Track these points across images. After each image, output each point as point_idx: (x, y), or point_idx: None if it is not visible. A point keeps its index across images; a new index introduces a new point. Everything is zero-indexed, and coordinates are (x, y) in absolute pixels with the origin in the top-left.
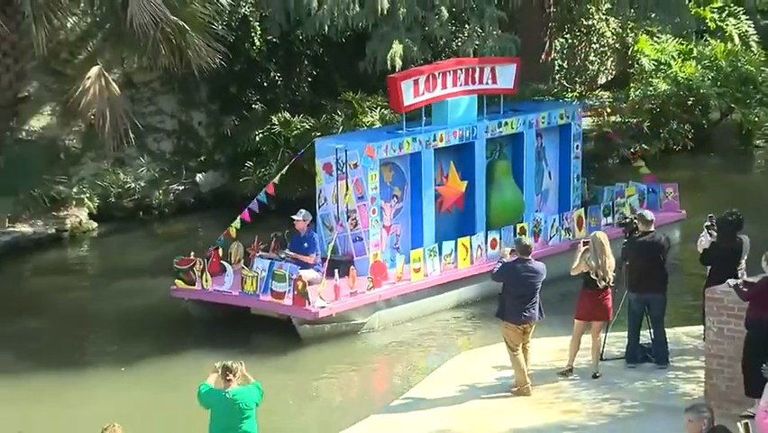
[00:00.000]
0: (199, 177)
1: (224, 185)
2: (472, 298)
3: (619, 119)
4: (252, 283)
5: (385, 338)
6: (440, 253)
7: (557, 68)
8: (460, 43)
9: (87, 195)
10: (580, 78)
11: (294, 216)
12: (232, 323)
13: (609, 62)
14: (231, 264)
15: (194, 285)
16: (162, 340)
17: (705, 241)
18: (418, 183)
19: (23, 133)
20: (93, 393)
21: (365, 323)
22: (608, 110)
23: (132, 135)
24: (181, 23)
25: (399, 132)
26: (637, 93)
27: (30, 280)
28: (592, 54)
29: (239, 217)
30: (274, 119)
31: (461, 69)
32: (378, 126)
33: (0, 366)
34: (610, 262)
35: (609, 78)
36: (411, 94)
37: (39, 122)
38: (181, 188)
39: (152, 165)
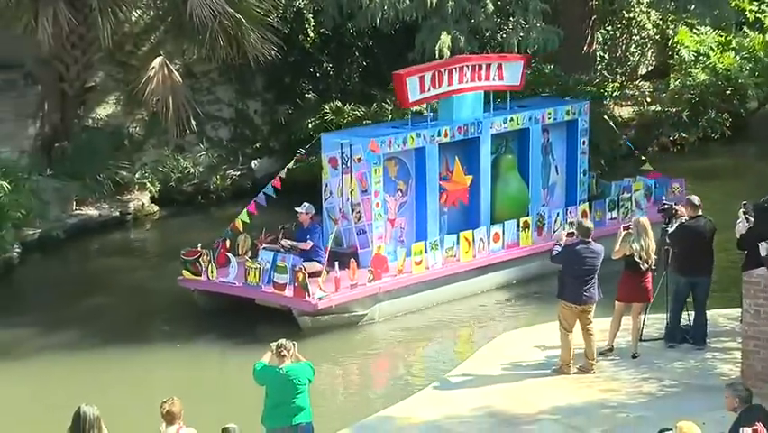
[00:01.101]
0: (255, 163)
1: (278, 171)
2: (474, 290)
3: (659, 108)
4: (255, 275)
5: (405, 325)
6: (442, 247)
7: (599, 59)
8: (504, 35)
9: (149, 180)
10: (621, 69)
11: (297, 209)
12: (251, 313)
13: (650, 53)
14: (238, 256)
15: (200, 276)
16: (215, 319)
17: (742, 226)
18: (423, 177)
19: (90, 121)
20: (152, 369)
21: (365, 314)
22: (648, 99)
23: (192, 123)
24: (238, 15)
25: (405, 127)
26: (677, 83)
27: (95, 260)
28: (633, 45)
29: (245, 210)
30: (326, 108)
31: (467, 66)
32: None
33: (67, 342)
34: (652, 245)
35: (650, 69)
36: (417, 90)
37: (104, 110)
38: (238, 173)
39: (211, 151)
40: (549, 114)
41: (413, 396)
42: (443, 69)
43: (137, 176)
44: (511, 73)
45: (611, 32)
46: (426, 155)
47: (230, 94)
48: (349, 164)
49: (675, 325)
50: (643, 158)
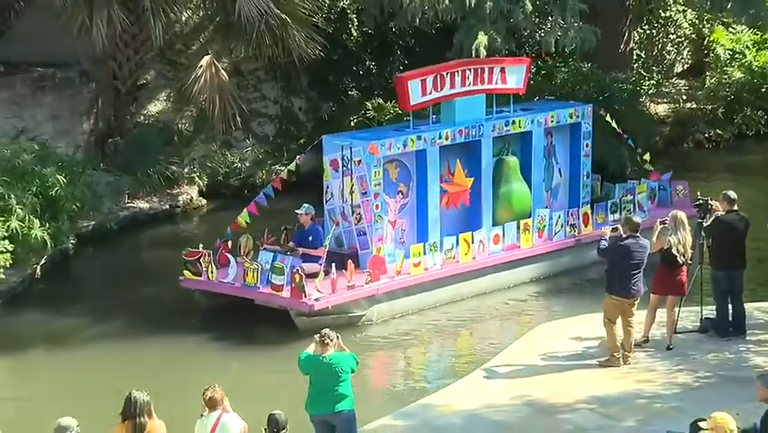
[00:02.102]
0: (299, 158)
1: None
2: (472, 292)
3: (694, 105)
4: (253, 276)
5: (414, 325)
6: (441, 248)
7: (635, 57)
8: (542, 35)
9: (198, 174)
10: (657, 67)
11: (297, 210)
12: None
13: (686, 52)
14: (239, 256)
15: (200, 276)
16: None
17: None
18: (423, 180)
19: (141, 118)
20: (197, 358)
21: (363, 315)
22: (684, 97)
23: (238, 120)
24: (284, 15)
25: (406, 129)
26: (712, 81)
27: (146, 251)
28: (669, 44)
29: (245, 210)
30: (368, 105)
31: (469, 69)
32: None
33: (116, 330)
34: (689, 239)
35: (685, 67)
36: (418, 93)
37: (155, 107)
38: (283, 168)
39: (257, 147)
40: (552, 117)
41: (452, 385)
42: (444, 73)
43: (186, 171)
44: (515, 76)
45: (647, 31)
46: (427, 158)
47: (275, 91)
48: (349, 166)
49: (724, 318)
50: (645, 158)
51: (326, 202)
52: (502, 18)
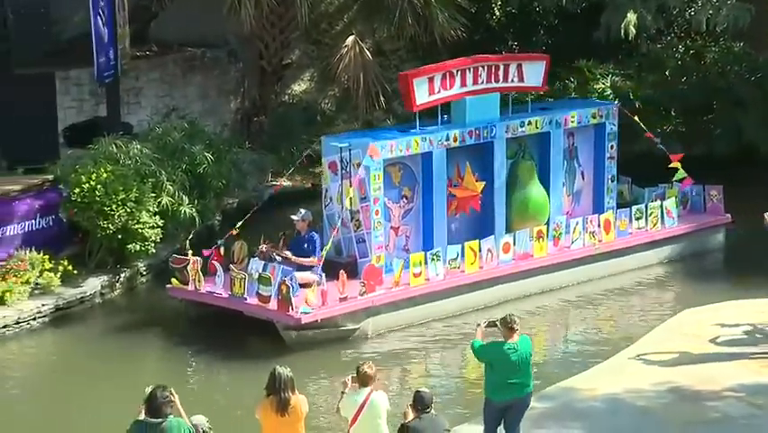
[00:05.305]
0: None
1: None
2: (479, 303)
3: None
4: (240, 285)
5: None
6: (444, 257)
7: None
8: (693, 13)
9: None
10: None
11: (293, 216)
12: None
13: None
14: (234, 263)
15: (187, 285)
16: None
17: None
18: (429, 183)
19: (286, 97)
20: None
21: (357, 329)
22: None
23: (381, 99)
24: None
25: (412, 131)
26: None
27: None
28: None
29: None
30: None
31: (482, 67)
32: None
33: None
34: None
35: None
36: (425, 92)
37: (299, 87)
38: None
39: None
40: (572, 117)
41: (592, 369)
42: (454, 70)
43: None
44: (532, 74)
45: None
46: (433, 160)
47: None
48: (348, 169)
49: None
50: (676, 164)
51: (325, 207)
52: None
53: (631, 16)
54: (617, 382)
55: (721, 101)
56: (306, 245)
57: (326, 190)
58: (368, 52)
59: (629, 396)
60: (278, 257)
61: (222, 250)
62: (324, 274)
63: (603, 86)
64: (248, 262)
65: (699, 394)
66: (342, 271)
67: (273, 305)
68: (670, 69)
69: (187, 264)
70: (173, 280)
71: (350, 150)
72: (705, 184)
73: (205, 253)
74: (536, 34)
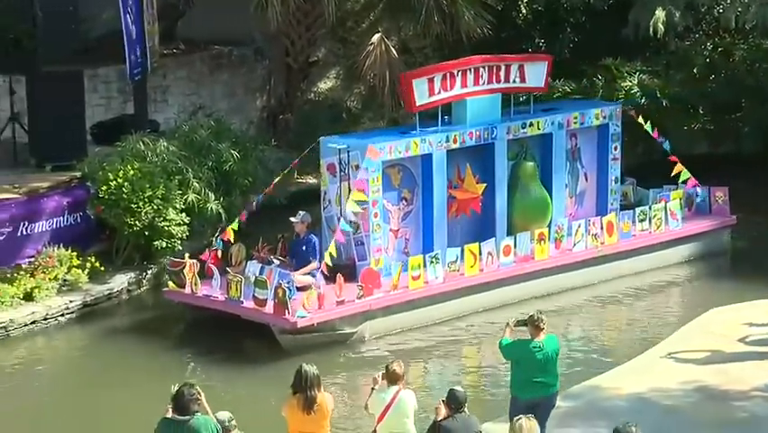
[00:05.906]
0: None
1: None
2: (476, 307)
3: None
4: (237, 288)
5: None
6: (443, 260)
7: None
8: (721, 10)
9: None
10: None
11: (292, 219)
12: None
13: None
14: (231, 266)
15: (184, 288)
16: None
17: None
18: (429, 185)
19: (312, 95)
20: None
21: (354, 333)
22: None
23: None
24: None
25: (412, 132)
26: None
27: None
28: None
29: (236, 219)
30: None
31: (483, 67)
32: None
33: None
34: None
35: None
36: (425, 92)
37: (325, 84)
38: None
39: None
40: (575, 118)
41: (617, 367)
42: (455, 71)
43: None
44: (534, 74)
45: None
46: (433, 162)
47: None
48: (347, 171)
49: None
50: (678, 168)
51: (324, 209)
52: None
53: (660, 13)
54: (644, 382)
55: (749, 99)
56: (304, 247)
57: (325, 192)
58: (393, 50)
59: (655, 395)
60: (275, 260)
61: (219, 253)
62: (322, 277)
63: (630, 84)
64: (245, 265)
65: (727, 394)
66: (339, 274)
67: (269, 308)
68: (698, 66)
69: (184, 267)
70: (169, 283)
71: (348, 151)
72: (710, 186)
73: (203, 256)
74: (563, 32)
